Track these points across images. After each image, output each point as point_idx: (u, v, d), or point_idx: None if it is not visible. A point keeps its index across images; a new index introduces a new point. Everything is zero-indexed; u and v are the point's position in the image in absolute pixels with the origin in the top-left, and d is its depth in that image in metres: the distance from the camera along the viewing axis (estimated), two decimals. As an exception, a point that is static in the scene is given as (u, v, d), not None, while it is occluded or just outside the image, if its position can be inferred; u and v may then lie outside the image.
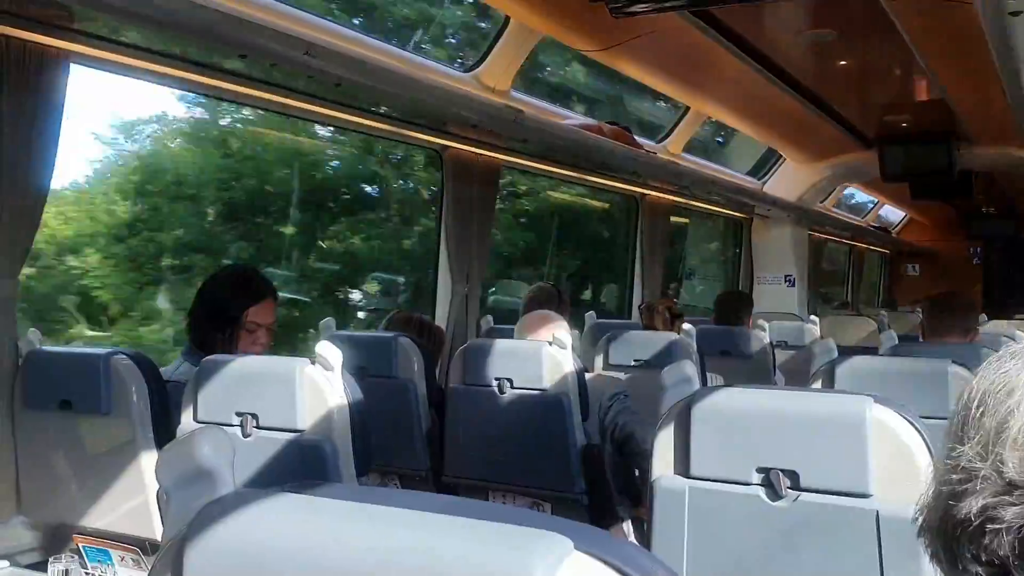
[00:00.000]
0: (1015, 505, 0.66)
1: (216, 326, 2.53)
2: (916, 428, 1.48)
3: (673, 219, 6.88)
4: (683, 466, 1.59)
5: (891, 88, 5.59)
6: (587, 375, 3.20)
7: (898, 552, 1.43)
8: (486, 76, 4.24)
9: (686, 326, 4.01)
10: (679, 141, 6.03)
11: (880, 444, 1.45)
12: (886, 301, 12.23)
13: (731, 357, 4.55)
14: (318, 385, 2.13)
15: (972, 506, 0.68)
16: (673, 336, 3.95)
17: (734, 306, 5.00)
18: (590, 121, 4.79)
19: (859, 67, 5.07)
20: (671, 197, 6.37)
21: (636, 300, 6.25)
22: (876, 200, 11.00)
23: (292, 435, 2.16)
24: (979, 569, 0.69)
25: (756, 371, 4.47)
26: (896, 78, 5.31)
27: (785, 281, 7.77)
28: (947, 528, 0.71)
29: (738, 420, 1.56)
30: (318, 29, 3.11)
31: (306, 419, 2.15)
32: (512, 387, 3.02)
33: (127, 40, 2.66)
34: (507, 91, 4.37)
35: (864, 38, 4.46)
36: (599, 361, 4.18)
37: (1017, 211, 11.58)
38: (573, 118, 4.82)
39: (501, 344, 3.20)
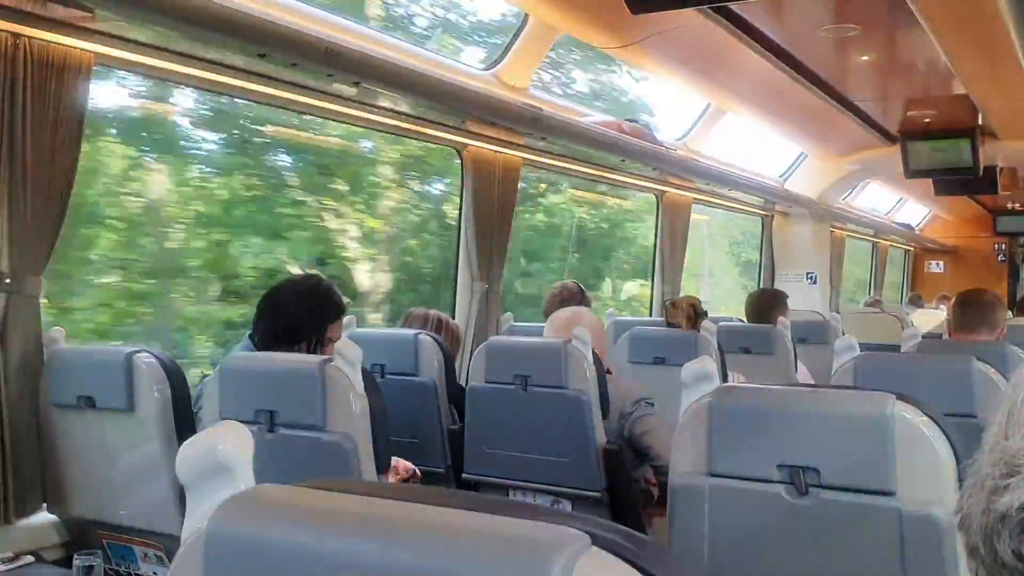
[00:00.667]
0: None
1: (293, 337, 2.48)
2: (940, 426, 1.46)
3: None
4: (704, 463, 1.58)
5: (914, 83, 5.53)
6: (609, 375, 3.20)
7: (921, 550, 1.42)
8: (505, 74, 4.24)
9: (707, 323, 3.99)
10: (699, 138, 6.01)
11: (903, 442, 1.44)
12: (911, 298, 12.12)
13: (752, 354, 4.52)
14: (338, 383, 2.14)
15: (1014, 501, 0.68)
16: (694, 333, 3.93)
17: (768, 304, 4.94)
18: (609, 119, 4.77)
19: (882, 62, 5.02)
20: (691, 195, 6.35)
21: (657, 297, 6.25)
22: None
23: (313, 433, 2.17)
24: (1019, 564, 0.68)
25: (778, 368, 4.44)
26: (919, 73, 5.24)
27: (807, 278, 7.72)
28: (988, 522, 0.70)
29: (759, 418, 1.55)
30: (337, 28, 3.13)
31: (326, 417, 2.16)
32: (532, 385, 3.02)
33: (147, 41, 2.68)
34: (526, 89, 4.37)
35: (887, 32, 4.42)
36: (621, 358, 4.17)
37: (1043, 207, 11.45)
38: (592, 115, 4.81)
39: (521, 342, 3.20)
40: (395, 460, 2.81)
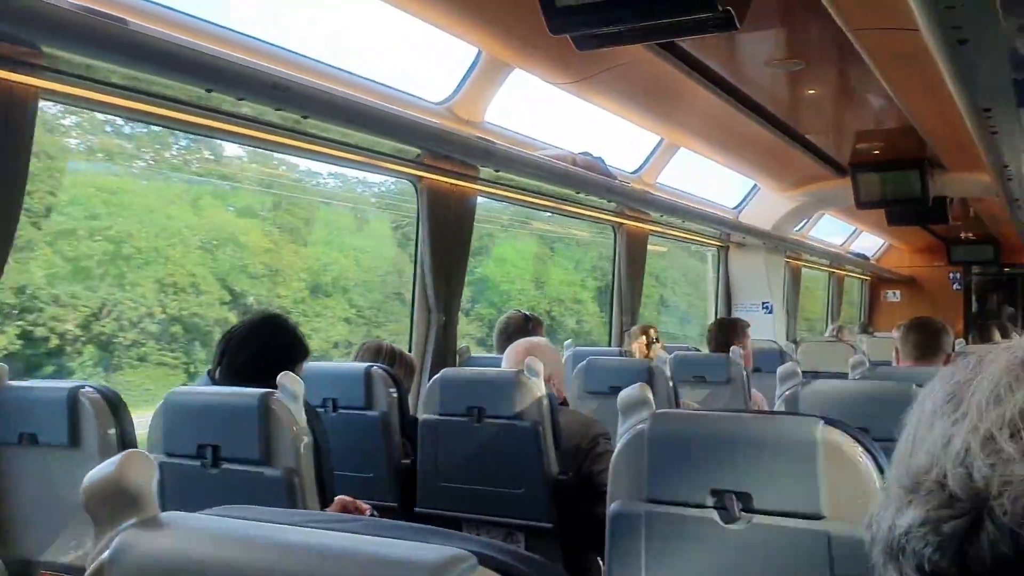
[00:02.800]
0: (956, 518, 0.66)
1: (257, 376, 2.35)
2: (868, 449, 1.49)
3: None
4: (640, 490, 1.60)
5: (862, 116, 5.67)
6: (568, 407, 3.22)
7: (848, 572, 1.44)
8: (459, 108, 4.29)
9: (660, 352, 4.04)
10: (653, 172, 6.10)
11: (831, 465, 1.47)
12: (861, 326, 12.31)
13: (707, 383, 4.57)
14: (280, 417, 2.13)
15: (914, 516, 0.69)
16: (648, 362, 3.97)
17: (726, 333, 5.00)
18: (563, 152, 4.83)
19: (829, 96, 5.14)
20: (648, 226, 6.43)
21: (616, 327, 6.30)
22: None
23: (255, 468, 2.15)
24: None
25: (732, 397, 4.49)
26: (866, 106, 5.38)
27: (763, 308, 7.82)
28: (893, 539, 0.72)
29: (693, 443, 1.57)
30: (285, 62, 3.15)
31: (269, 452, 2.15)
32: (485, 416, 3.02)
33: (94, 76, 2.68)
34: (481, 123, 4.42)
35: (832, 67, 4.54)
36: (576, 388, 4.20)
37: (994, 236, 11.70)
38: (546, 149, 4.87)
39: (473, 373, 3.21)
40: (341, 497, 2.78)
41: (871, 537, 0.75)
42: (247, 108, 3.08)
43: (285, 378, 2.11)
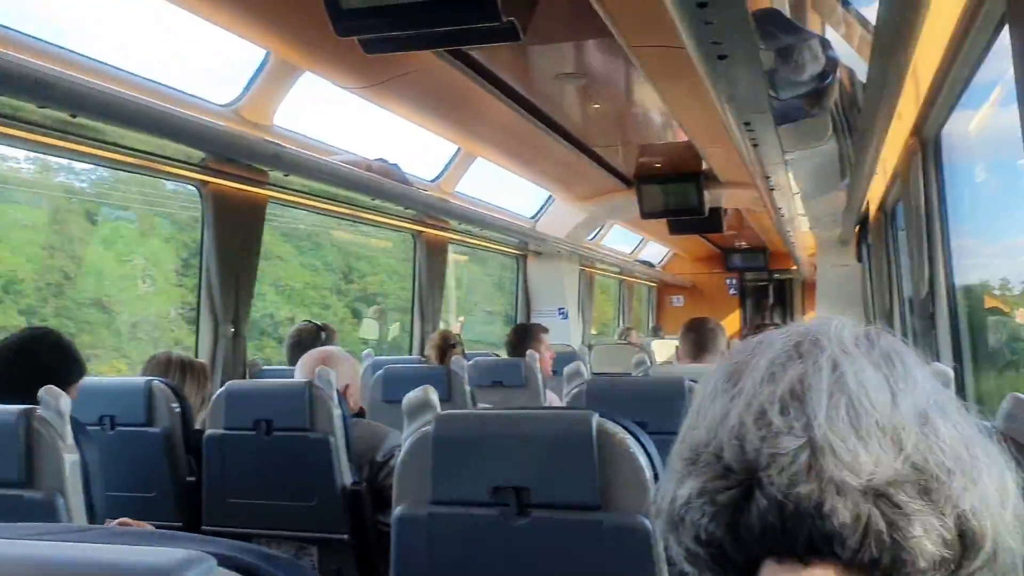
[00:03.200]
0: (730, 488, 0.70)
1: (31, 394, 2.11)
2: (639, 440, 1.56)
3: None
4: (423, 492, 1.59)
5: (645, 130, 5.96)
6: (363, 419, 3.18)
7: (627, 558, 1.50)
8: (247, 111, 4.15)
9: (458, 357, 4.07)
10: (452, 180, 6.16)
11: (606, 458, 1.53)
12: (656, 330, 13.01)
13: (504, 387, 4.66)
14: (44, 436, 1.97)
15: (692, 488, 0.72)
16: (446, 368, 3.99)
17: (521, 337, 5.11)
18: (358, 158, 4.78)
19: (614, 111, 5.38)
20: (447, 235, 6.48)
21: (417, 334, 6.30)
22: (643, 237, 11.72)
23: (15, 491, 1.98)
24: (700, 550, 0.72)
25: (528, 399, 4.59)
26: (648, 121, 5.67)
27: (559, 314, 8.08)
28: (673, 511, 0.74)
29: (476, 443, 1.59)
30: (50, 57, 2.92)
31: (32, 473, 1.98)
32: (274, 429, 2.93)
33: None
34: (270, 126, 4.29)
35: (615, 83, 4.74)
36: (375, 397, 4.15)
37: (764, 245, 12.70)
38: (341, 154, 4.80)
39: (260, 385, 3.10)
40: (121, 520, 2.61)
41: (656, 511, 0.78)
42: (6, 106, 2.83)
43: (49, 393, 1.95)
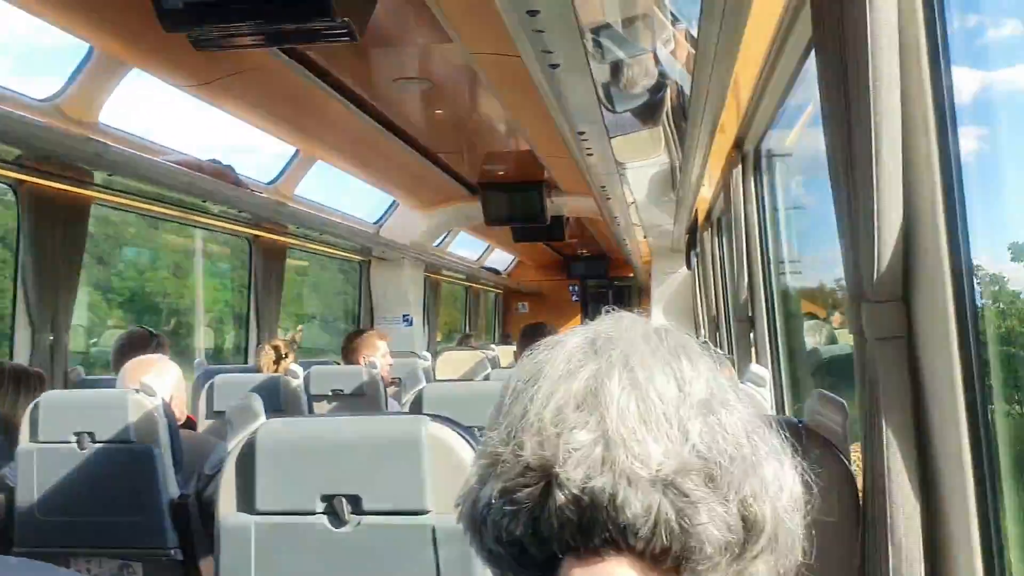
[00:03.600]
0: (529, 487, 0.70)
1: None
2: (469, 443, 1.57)
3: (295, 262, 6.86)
4: (248, 503, 1.54)
5: (489, 138, 6.01)
6: (192, 430, 3.05)
7: (454, 562, 1.51)
8: (68, 107, 3.91)
9: (293, 366, 3.97)
10: (291, 183, 6.01)
11: (436, 461, 1.53)
12: (506, 336, 13.16)
13: (345, 396, 4.58)
14: None
15: (494, 488, 0.72)
16: (280, 377, 3.88)
17: (353, 345, 5.06)
18: (189, 158, 4.59)
19: (457, 117, 5.39)
20: (285, 239, 6.32)
21: (253, 342, 6.10)
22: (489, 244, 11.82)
23: None
24: (501, 550, 0.72)
25: (369, 407, 4.53)
26: (492, 128, 5.71)
27: (403, 320, 8.03)
28: (475, 512, 0.74)
29: (302, 450, 1.55)
30: None
31: None
32: (94, 441, 2.77)
33: None
34: (95, 123, 4.06)
35: (458, 89, 4.76)
36: (206, 407, 4.00)
37: (604, 252, 13.10)
38: (172, 154, 4.59)
39: (79, 395, 2.93)
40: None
41: (459, 514, 0.78)
42: None
43: None
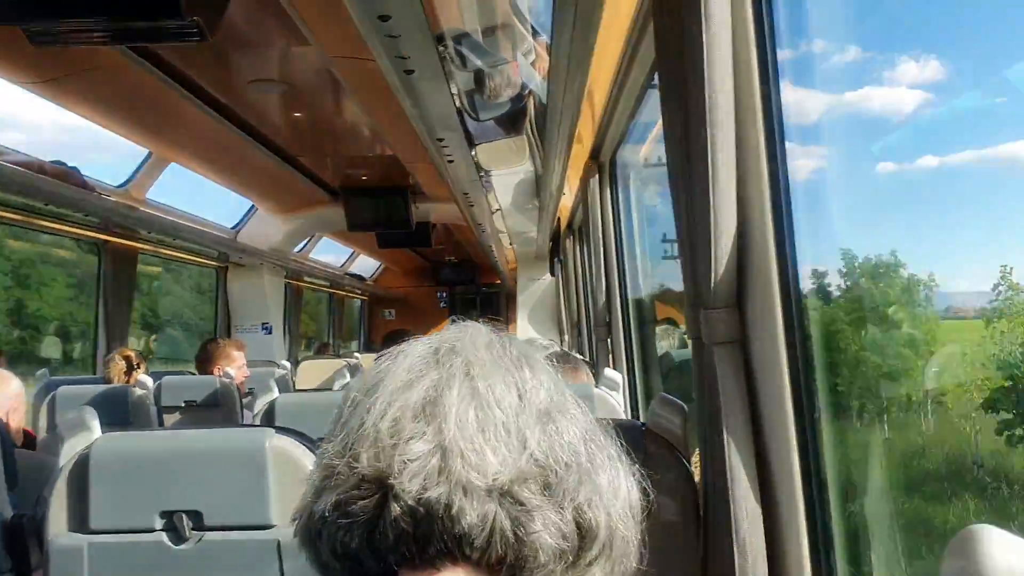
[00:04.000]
0: (364, 499, 0.69)
1: None
2: (315, 455, 1.54)
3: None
4: (81, 522, 1.47)
5: (351, 142, 5.92)
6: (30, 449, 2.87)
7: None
8: None
9: (143, 377, 3.80)
10: (143, 186, 5.76)
11: (281, 474, 1.49)
12: (365, 343, 13.00)
13: (197, 408, 4.42)
14: None
15: (328, 501, 0.70)
16: (128, 388, 3.71)
17: (207, 355, 4.91)
18: (29, 159, 4.33)
19: (318, 121, 5.29)
20: (137, 244, 6.05)
21: (102, 352, 5.80)
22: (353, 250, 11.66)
23: None
24: (336, 564, 0.71)
25: (225, 418, 4.39)
26: (354, 132, 5.63)
27: (262, 329, 7.82)
28: (311, 525, 0.72)
29: (140, 465, 1.49)
30: None
31: None
32: (-82, 462, 2.57)
33: None
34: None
35: (318, 92, 4.67)
36: (49, 421, 3.78)
37: (472, 259, 13.15)
38: (9, 154, 4.32)
39: None
40: None
41: (295, 529, 0.76)
42: None
43: None
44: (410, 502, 0.67)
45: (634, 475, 0.80)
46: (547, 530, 0.68)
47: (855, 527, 1.75)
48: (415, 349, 0.77)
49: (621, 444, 0.80)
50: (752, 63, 1.50)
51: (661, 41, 1.60)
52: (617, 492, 0.75)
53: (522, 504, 0.68)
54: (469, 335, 0.79)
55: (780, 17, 1.60)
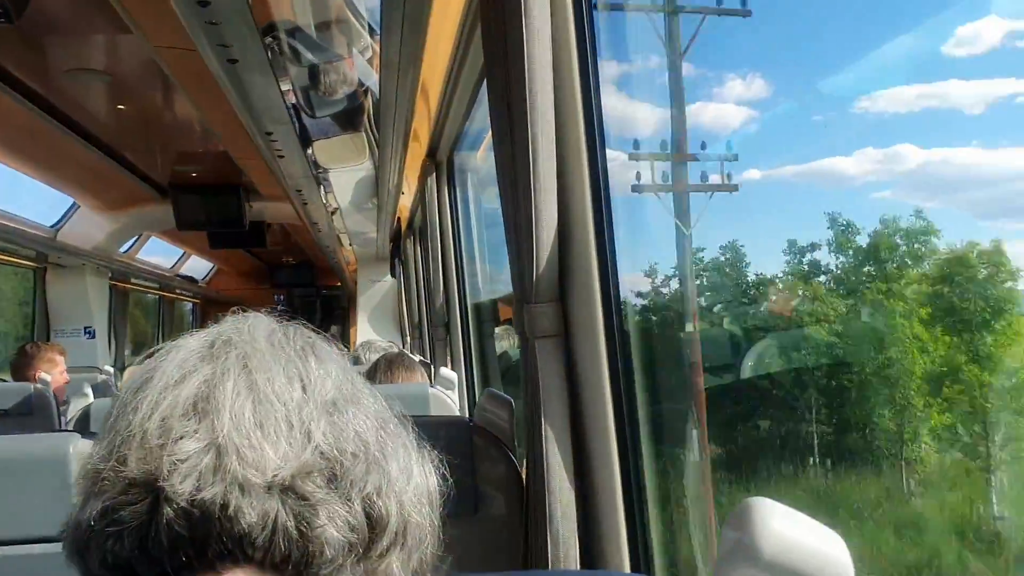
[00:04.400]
0: (133, 504, 0.64)
1: None
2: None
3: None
4: None
5: (180, 137, 5.66)
6: None
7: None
8: None
9: (-62, 386, 3.50)
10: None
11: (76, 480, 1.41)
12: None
13: (8, 416, 4.12)
14: None
15: (95, 508, 0.66)
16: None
17: (27, 359, 4.62)
18: None
19: (143, 114, 5.03)
20: (-61, 243, 5.57)
21: None
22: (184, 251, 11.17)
23: None
24: (107, 573, 0.66)
25: (40, 427, 4.11)
26: (183, 127, 5.38)
27: (85, 333, 7.37)
28: (78, 536, 0.68)
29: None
30: None
31: None
32: None
33: None
34: None
35: (143, 84, 4.44)
36: None
37: (310, 260, 12.87)
38: None
39: None
40: None
41: (64, 542, 0.70)
42: None
43: None
44: (183, 504, 0.64)
45: (432, 463, 0.79)
46: (333, 523, 0.67)
47: (671, 513, 1.83)
48: (189, 343, 0.74)
49: (417, 437, 0.78)
50: (573, 69, 1.54)
51: (487, 43, 1.62)
52: (410, 479, 0.74)
53: (306, 499, 0.66)
54: (248, 326, 0.76)
55: (601, 29, 1.66)
